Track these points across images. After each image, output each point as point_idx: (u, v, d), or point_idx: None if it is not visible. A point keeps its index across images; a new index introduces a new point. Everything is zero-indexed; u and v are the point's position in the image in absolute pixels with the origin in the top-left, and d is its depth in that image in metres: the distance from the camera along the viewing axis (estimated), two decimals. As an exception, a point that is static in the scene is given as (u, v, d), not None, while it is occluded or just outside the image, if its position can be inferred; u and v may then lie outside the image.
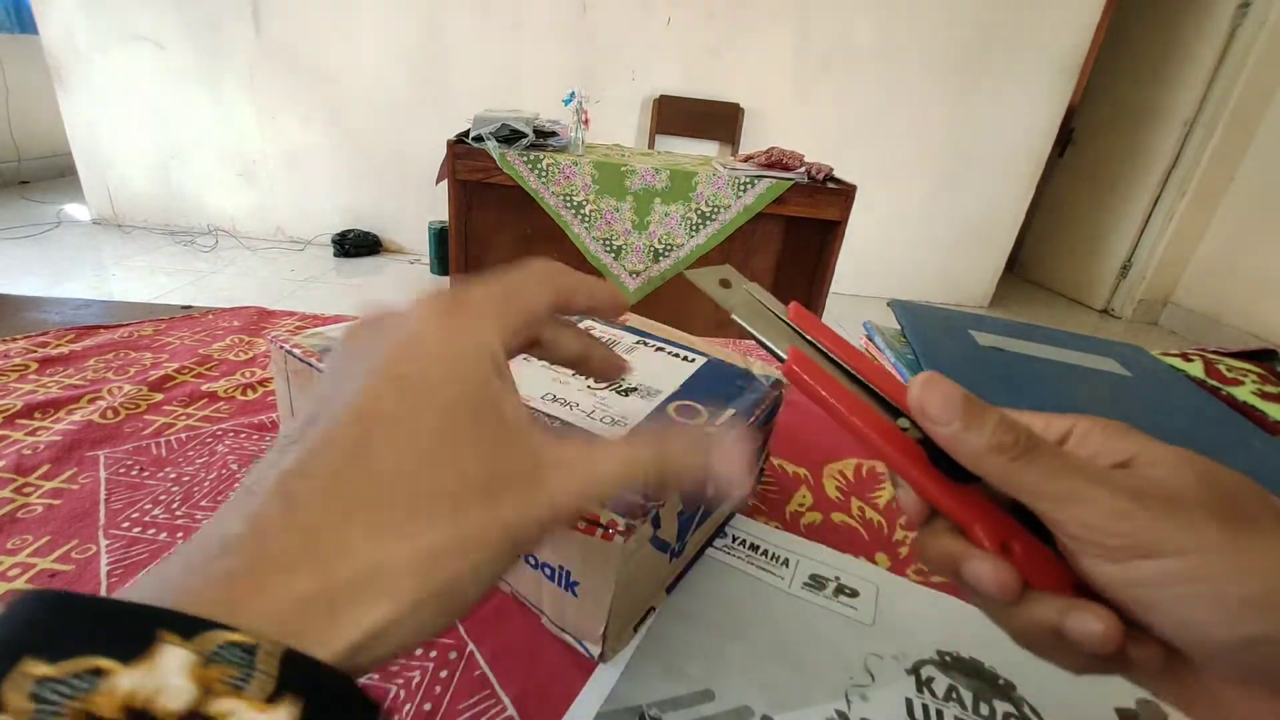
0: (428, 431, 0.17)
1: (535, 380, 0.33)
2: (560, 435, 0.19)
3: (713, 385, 0.35)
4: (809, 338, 0.23)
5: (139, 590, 0.13)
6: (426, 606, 0.15)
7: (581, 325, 0.41)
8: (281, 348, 0.35)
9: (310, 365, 0.33)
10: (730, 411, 0.32)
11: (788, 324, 0.23)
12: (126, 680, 0.11)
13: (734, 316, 0.23)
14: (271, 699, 0.12)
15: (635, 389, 0.33)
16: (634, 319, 0.43)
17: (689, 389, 0.34)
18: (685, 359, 0.38)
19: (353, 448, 0.16)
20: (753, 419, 0.32)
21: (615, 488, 0.19)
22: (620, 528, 0.23)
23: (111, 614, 0.12)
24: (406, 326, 0.18)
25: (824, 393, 0.20)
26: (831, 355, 0.22)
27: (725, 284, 0.24)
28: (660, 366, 0.37)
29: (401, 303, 0.19)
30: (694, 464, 0.20)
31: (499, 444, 0.17)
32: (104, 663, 0.11)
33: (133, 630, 0.11)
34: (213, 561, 0.14)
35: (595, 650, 0.27)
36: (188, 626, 0.12)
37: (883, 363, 0.58)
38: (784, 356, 0.21)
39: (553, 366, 0.36)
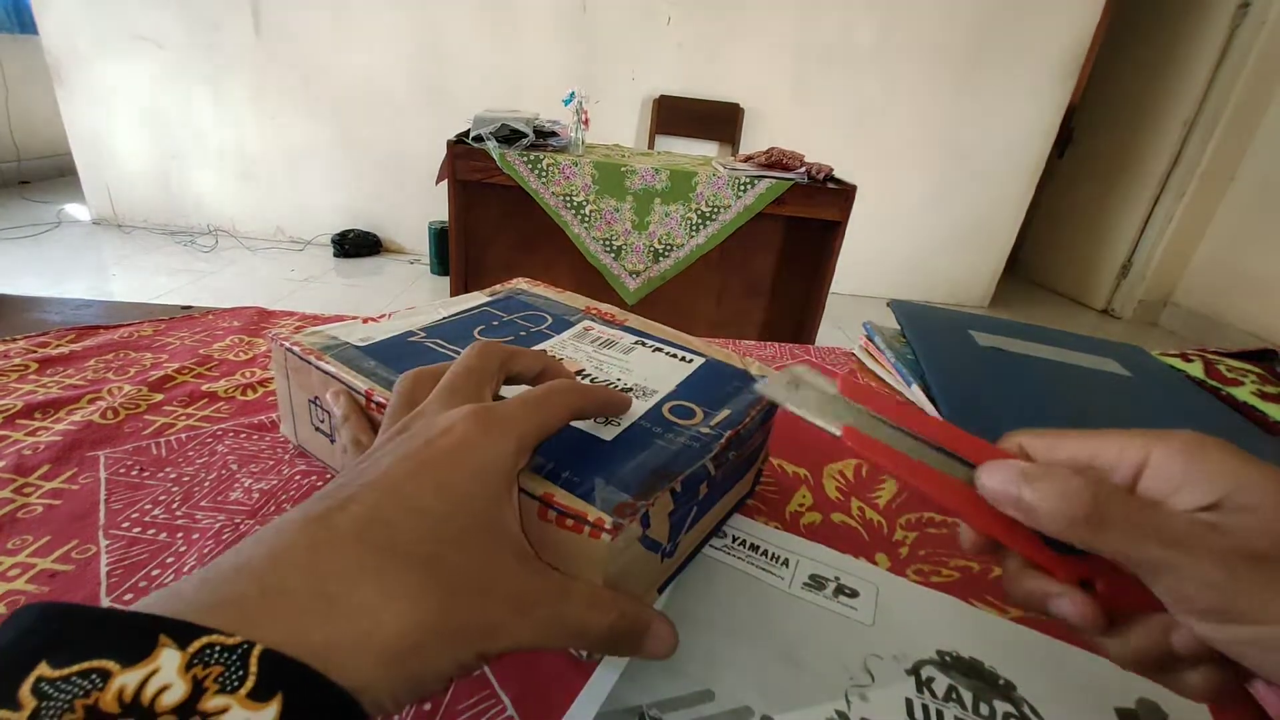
0: (448, 527, 0.18)
1: None
2: (544, 569, 0.21)
3: (709, 386, 0.35)
4: (866, 409, 0.23)
5: (153, 602, 0.14)
6: (399, 683, 0.16)
7: (581, 326, 0.41)
8: (281, 345, 0.35)
9: (309, 363, 0.34)
10: (725, 412, 0.32)
11: (844, 400, 0.24)
12: (126, 679, 0.12)
13: (789, 407, 0.24)
14: (259, 697, 0.13)
15: (631, 389, 0.33)
16: (633, 319, 0.43)
17: (685, 389, 0.34)
18: (683, 359, 0.38)
19: (379, 516, 0.18)
20: (747, 419, 0.32)
21: (566, 641, 0.21)
22: (607, 525, 0.23)
23: (115, 623, 0.13)
24: (456, 433, 0.20)
25: (884, 462, 0.21)
26: (890, 421, 0.23)
27: (795, 385, 0.25)
28: (658, 367, 0.37)
29: (447, 413, 0.22)
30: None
31: (503, 560, 0.19)
32: (107, 664, 0.12)
33: (134, 636, 0.12)
34: (226, 584, 0.15)
35: (583, 651, 0.27)
36: (184, 632, 0.13)
37: (882, 363, 0.58)
38: (839, 434, 0.22)
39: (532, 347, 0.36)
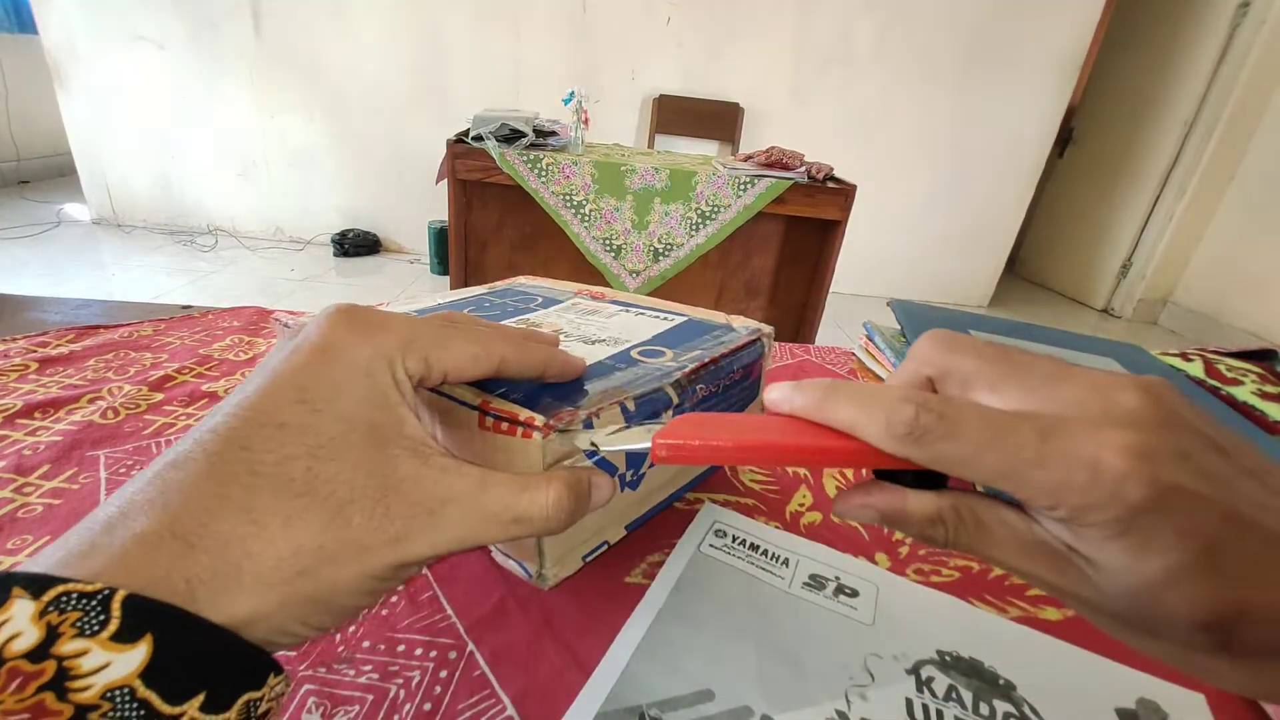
0: (316, 438, 0.17)
1: None
2: (455, 465, 0.19)
3: (686, 335, 0.35)
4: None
5: (15, 566, 0.14)
6: (296, 607, 0.16)
7: (570, 301, 0.41)
8: (281, 323, 0.36)
9: None
10: (696, 352, 0.32)
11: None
12: None
13: (604, 448, 0.21)
14: (124, 639, 0.13)
15: (604, 340, 0.33)
16: (624, 297, 0.43)
17: (659, 339, 0.34)
18: (664, 319, 0.38)
19: (234, 443, 0.16)
20: (718, 355, 0.32)
21: (501, 533, 0.19)
22: (538, 424, 0.22)
23: None
24: (314, 335, 0.19)
25: (718, 445, 0.18)
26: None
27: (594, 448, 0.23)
28: (636, 323, 0.36)
29: (314, 318, 0.20)
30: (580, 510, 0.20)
31: (395, 463, 0.18)
32: None
33: None
34: (80, 539, 0.15)
35: (532, 569, 0.26)
36: (38, 584, 0.13)
37: (882, 362, 0.58)
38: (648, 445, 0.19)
39: (517, 315, 0.36)
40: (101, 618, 0.13)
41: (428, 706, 0.25)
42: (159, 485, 0.16)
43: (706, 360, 0.31)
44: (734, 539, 0.35)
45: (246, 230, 3.22)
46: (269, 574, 0.15)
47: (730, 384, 0.34)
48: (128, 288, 2.51)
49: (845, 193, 1.78)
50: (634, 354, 0.31)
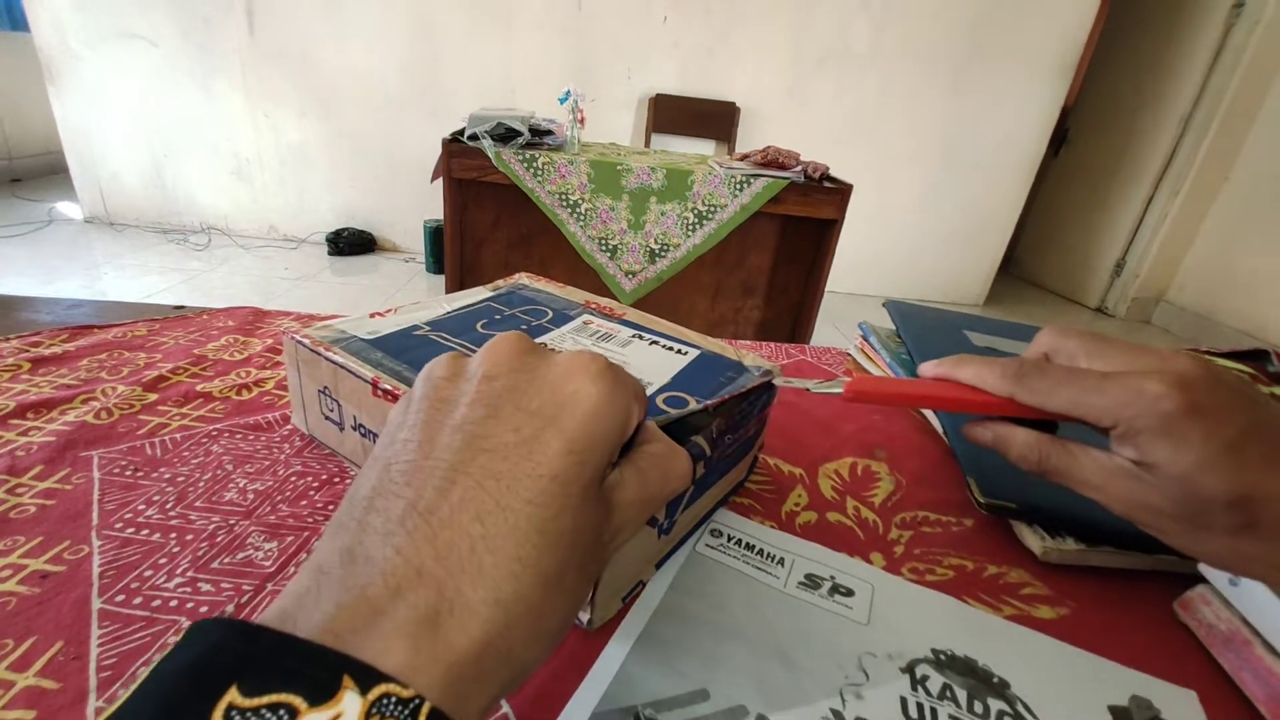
0: (584, 502, 0.18)
1: None
2: (617, 482, 0.20)
3: (703, 377, 0.36)
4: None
5: (286, 616, 0.14)
6: (541, 653, 0.17)
7: (581, 320, 0.42)
8: (293, 339, 0.36)
9: (319, 355, 0.35)
10: (720, 399, 0.33)
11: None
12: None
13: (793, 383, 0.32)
14: None
15: None
16: (632, 313, 0.44)
17: (679, 381, 0.35)
18: (679, 352, 0.39)
19: (533, 508, 0.16)
20: (743, 405, 0.33)
21: (678, 486, 0.22)
22: None
23: (301, 653, 0.13)
24: (581, 392, 0.19)
25: (888, 391, 0.30)
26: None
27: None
28: (653, 359, 0.37)
29: (571, 361, 0.20)
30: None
31: (603, 520, 0.19)
32: (295, 700, 0.12)
33: (320, 673, 0.12)
34: (375, 619, 0.14)
35: (584, 617, 0.28)
36: (365, 676, 0.13)
37: (878, 363, 0.58)
38: (840, 391, 0.29)
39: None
40: None
41: (423, 707, 0.24)
42: (433, 552, 0.15)
43: (734, 412, 0.32)
44: (730, 538, 0.35)
45: (240, 229, 3.20)
46: (528, 649, 0.16)
47: (753, 432, 0.36)
48: (120, 287, 2.49)
49: (841, 192, 1.79)
50: (660, 403, 0.32)
